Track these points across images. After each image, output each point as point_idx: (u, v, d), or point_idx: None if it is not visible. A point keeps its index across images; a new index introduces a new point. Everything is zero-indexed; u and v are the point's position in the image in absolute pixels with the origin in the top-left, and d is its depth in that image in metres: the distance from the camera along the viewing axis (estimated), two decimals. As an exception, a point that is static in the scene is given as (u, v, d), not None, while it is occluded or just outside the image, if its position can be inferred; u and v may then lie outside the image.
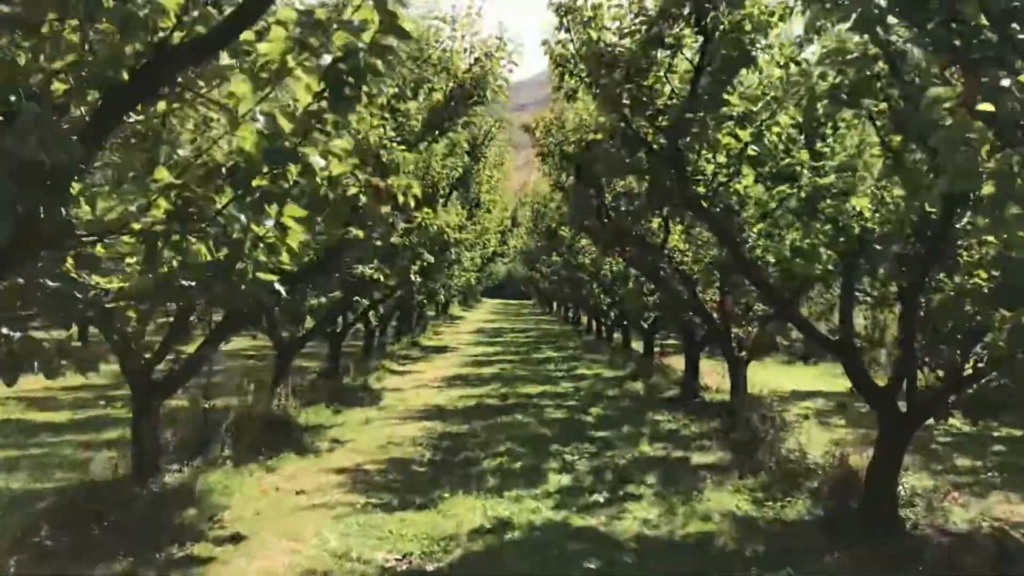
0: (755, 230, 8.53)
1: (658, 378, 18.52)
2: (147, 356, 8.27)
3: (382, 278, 9.81)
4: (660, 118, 7.41)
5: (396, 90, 7.69)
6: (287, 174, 3.25)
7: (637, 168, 7.87)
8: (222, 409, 11.65)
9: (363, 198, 3.84)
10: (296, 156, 3.24)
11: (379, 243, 8.30)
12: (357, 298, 14.08)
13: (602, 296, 23.13)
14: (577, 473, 9.73)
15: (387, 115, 7.54)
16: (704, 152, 7.80)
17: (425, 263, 12.85)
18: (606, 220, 12.10)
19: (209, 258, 3.33)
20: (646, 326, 20.73)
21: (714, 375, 17.92)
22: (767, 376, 18.99)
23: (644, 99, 7.31)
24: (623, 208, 11.85)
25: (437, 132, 8.51)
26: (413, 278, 12.89)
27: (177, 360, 8.76)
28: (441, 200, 13.09)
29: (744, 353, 12.29)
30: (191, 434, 10.18)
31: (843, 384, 19.46)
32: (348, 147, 3.65)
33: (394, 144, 7.32)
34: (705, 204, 7.79)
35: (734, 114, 7.39)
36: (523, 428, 12.59)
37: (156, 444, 8.62)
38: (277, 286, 3.54)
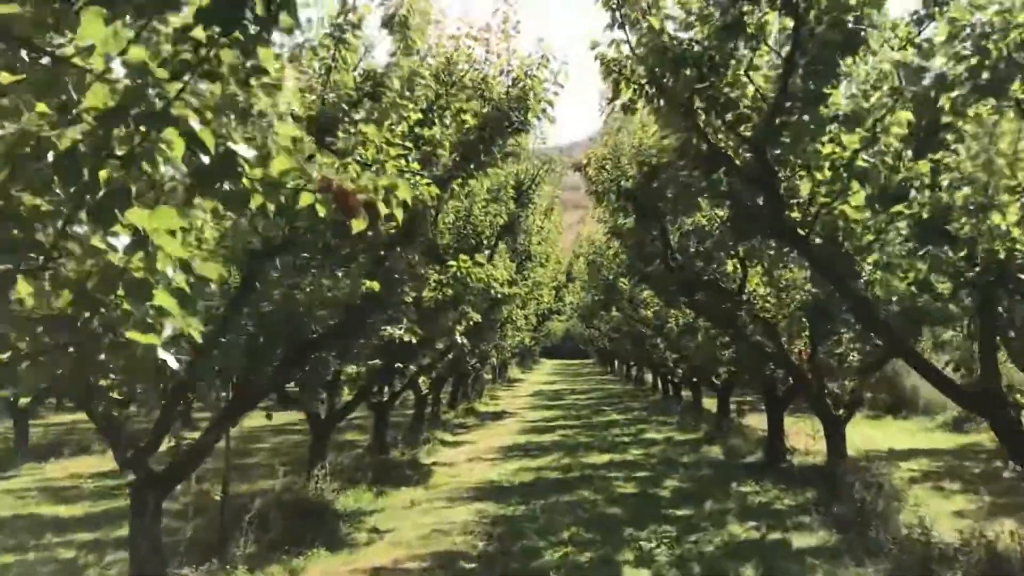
0: (869, 261, 6.98)
1: (737, 441, 16.75)
2: (141, 445, 7.00)
3: (414, 340, 8.43)
4: (743, 126, 5.99)
5: (420, 116, 6.44)
6: (155, 156, 1.92)
7: (714, 192, 6.43)
8: (249, 495, 10.36)
9: (320, 209, 2.51)
10: (170, 118, 1.92)
11: (409, 299, 6.99)
12: (400, 364, 12.75)
13: (667, 352, 21.47)
14: (658, 566, 8.10)
15: (409, 143, 6.27)
16: (799, 166, 6.30)
17: (471, 322, 11.48)
18: (672, 265, 10.63)
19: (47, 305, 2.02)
20: (719, 383, 19.00)
21: (800, 435, 16.09)
22: (855, 433, 17.09)
23: (722, 103, 5.92)
24: (692, 249, 10.39)
25: (472, 166, 7.22)
26: (460, 340, 11.51)
27: (179, 447, 7.47)
28: (486, 251, 11.77)
29: (842, 411, 10.59)
30: (208, 529, 8.88)
31: (945, 440, 17.49)
32: (299, 135, 2.36)
33: (419, 178, 6.03)
34: (802, 232, 6.31)
35: (838, 114, 5.93)
36: (590, 507, 10.99)
37: (157, 547, 7.27)
38: (163, 355, 2.18)
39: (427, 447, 17.01)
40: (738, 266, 10.57)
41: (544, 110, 7.55)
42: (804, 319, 10.24)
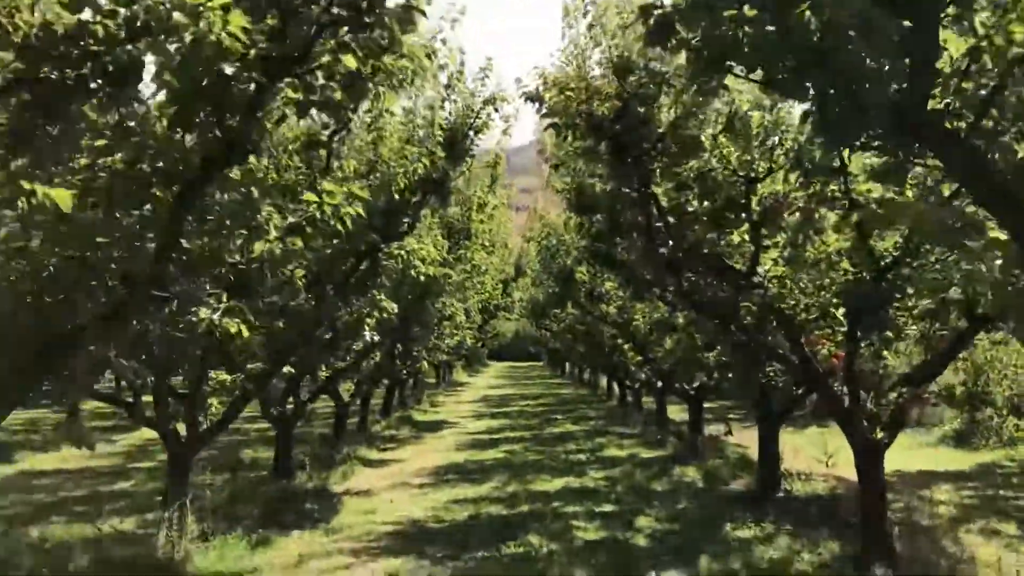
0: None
1: (716, 462, 13.98)
2: None
3: (244, 331, 5.37)
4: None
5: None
6: None
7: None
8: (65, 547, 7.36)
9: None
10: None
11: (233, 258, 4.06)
12: (291, 368, 9.71)
13: (631, 354, 18.63)
14: None
15: None
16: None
17: (384, 314, 8.50)
18: (657, 233, 7.76)
19: None
20: (692, 391, 16.21)
21: (799, 455, 13.38)
22: (843, 450, 14.40)
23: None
24: (691, 209, 7.53)
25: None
26: (370, 336, 8.56)
27: None
28: (405, 220, 8.78)
29: (882, 433, 7.81)
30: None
31: (956, 459, 14.88)
32: None
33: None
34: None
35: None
36: (544, 565, 8.07)
37: None
38: None
39: (343, 468, 13.95)
40: (747, 237, 7.71)
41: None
42: (837, 311, 7.44)
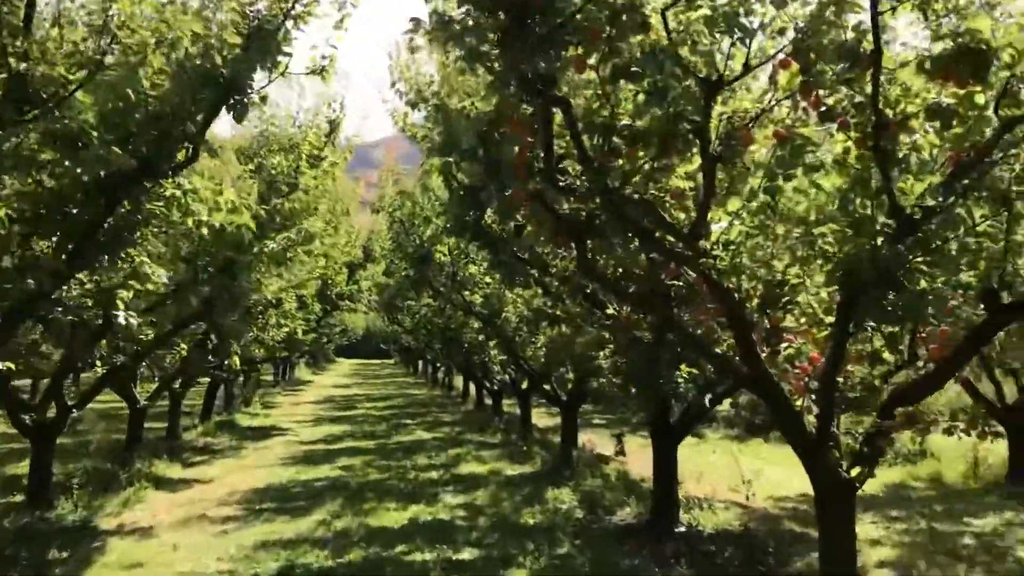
0: None
1: (594, 481, 11.63)
2: None
3: None
4: None
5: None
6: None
7: None
8: None
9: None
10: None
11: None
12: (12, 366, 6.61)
13: (495, 352, 16.10)
14: None
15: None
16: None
17: (151, 285, 5.57)
18: (558, 164, 5.19)
19: None
20: (565, 397, 13.83)
21: (698, 478, 11.22)
22: (721, 463, 12.44)
23: None
24: (621, 145, 4.92)
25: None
26: (123, 318, 5.65)
27: None
28: (185, 145, 5.84)
29: (860, 470, 5.54)
30: None
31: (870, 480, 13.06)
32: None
33: None
34: None
35: None
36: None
37: None
38: None
39: (128, 493, 10.76)
40: (704, 188, 5.19)
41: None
42: (822, 291, 5.06)
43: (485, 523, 9.61)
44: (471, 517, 9.94)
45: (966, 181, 4.18)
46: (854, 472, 5.63)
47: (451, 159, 6.46)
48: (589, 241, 6.08)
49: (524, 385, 16.27)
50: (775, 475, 12.75)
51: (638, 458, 13.22)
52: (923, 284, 4.77)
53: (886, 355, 5.34)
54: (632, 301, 6.84)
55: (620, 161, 5.01)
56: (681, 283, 5.71)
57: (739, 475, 11.07)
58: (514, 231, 8.41)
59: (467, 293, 13.19)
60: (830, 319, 5.15)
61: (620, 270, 6.63)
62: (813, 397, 5.68)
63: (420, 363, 45.62)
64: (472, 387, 25.94)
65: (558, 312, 10.48)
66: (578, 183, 5.24)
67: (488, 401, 22.32)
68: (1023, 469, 12.43)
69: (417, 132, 8.80)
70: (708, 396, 8.73)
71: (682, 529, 9.07)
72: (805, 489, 11.57)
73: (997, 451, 12.73)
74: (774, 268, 5.38)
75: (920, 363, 5.86)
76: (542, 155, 5.23)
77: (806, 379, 5.65)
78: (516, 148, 5.47)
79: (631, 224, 5.22)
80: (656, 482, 9.46)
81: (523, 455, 14.65)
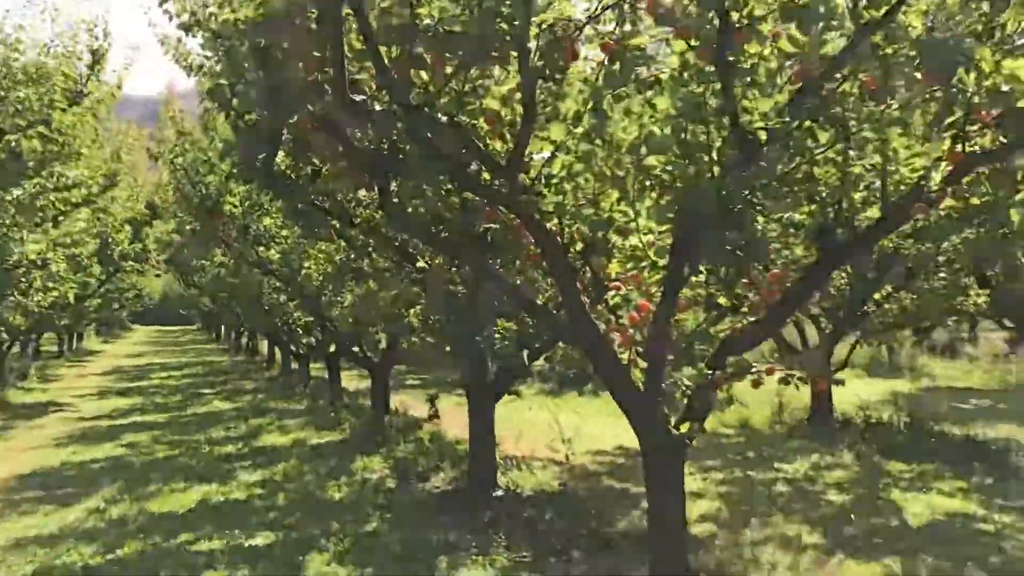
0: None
1: (407, 446, 10.93)
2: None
3: None
4: None
5: None
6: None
7: None
8: None
9: None
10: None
11: None
12: None
13: (298, 314, 14.99)
14: None
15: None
16: None
17: None
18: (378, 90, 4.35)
19: None
20: (375, 358, 13.00)
21: (513, 437, 10.75)
22: (539, 419, 12.17)
23: None
24: (425, 52, 4.06)
25: None
26: None
27: None
28: None
29: (690, 426, 5.12)
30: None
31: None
32: None
33: None
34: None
35: None
36: None
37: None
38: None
39: None
40: (510, 112, 4.47)
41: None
42: (655, 224, 4.51)
43: (285, 501, 8.69)
44: (269, 495, 8.98)
45: (814, 102, 3.72)
46: (683, 428, 5.18)
47: (222, 82, 5.44)
48: (393, 180, 5.28)
49: (332, 348, 15.26)
50: (592, 428, 12.56)
51: (455, 418, 12.63)
52: (760, 221, 4.33)
53: (722, 300, 4.90)
54: (444, 250, 6.09)
55: (424, 75, 4.24)
56: (498, 226, 5.03)
57: (557, 431, 10.71)
58: (310, 175, 7.49)
59: (262, 249, 12.02)
60: (663, 262, 4.62)
61: (429, 214, 5.87)
62: (640, 350, 5.18)
63: (223, 328, 43.13)
64: (278, 352, 24.53)
65: (364, 267, 9.60)
66: (376, 105, 4.42)
67: (295, 366, 21.10)
68: (823, 411, 12.88)
69: (193, 61, 7.61)
70: (527, 352, 8.18)
71: (500, 493, 8.55)
72: (622, 442, 11.53)
73: (799, 395, 13.09)
74: (601, 207, 4.80)
75: (745, 309, 5.49)
76: (332, 71, 4.35)
77: (633, 330, 5.12)
78: (301, 64, 4.56)
79: (440, 155, 4.47)
80: (472, 445, 8.86)
81: (331, 422, 13.73)
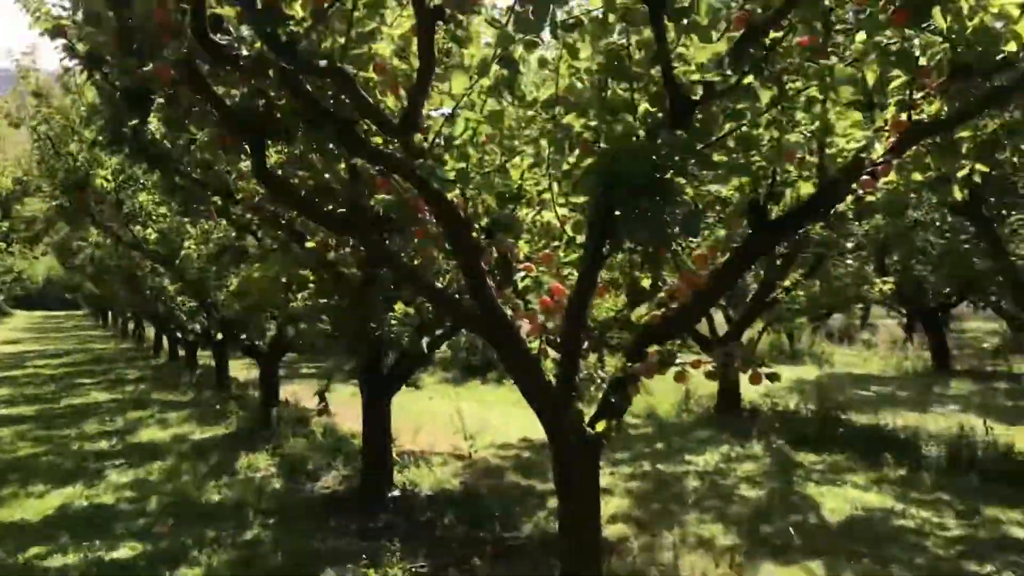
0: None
1: (298, 441, 10.14)
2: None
3: None
4: None
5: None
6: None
7: None
8: None
9: None
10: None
11: None
12: None
13: (180, 298, 13.96)
14: None
15: None
16: None
17: None
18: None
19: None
20: (264, 347, 12.14)
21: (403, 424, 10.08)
22: (439, 410, 11.59)
23: None
24: None
25: None
26: None
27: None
28: None
29: (606, 424, 4.59)
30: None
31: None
32: None
33: None
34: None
35: None
36: None
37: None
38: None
39: None
40: (406, 66, 3.80)
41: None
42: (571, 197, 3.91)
43: (157, 505, 7.84)
44: (141, 498, 8.10)
45: (758, 53, 3.21)
46: (600, 426, 4.65)
47: (63, 19, 4.60)
48: (269, 142, 4.56)
49: (218, 335, 14.27)
50: (496, 419, 12.01)
51: (350, 409, 11.86)
52: (689, 192, 3.80)
53: (645, 283, 4.37)
54: (331, 226, 5.38)
55: (300, 7, 3.54)
56: (393, 198, 4.38)
57: (459, 424, 10.11)
58: (186, 144, 6.70)
59: (138, 228, 10.99)
60: (580, 239, 4.05)
61: (314, 185, 5.16)
62: (552, 338, 4.62)
63: (110, 314, 40.95)
64: (165, 339, 23.19)
65: (249, 247, 8.77)
66: (244, 50, 3.71)
67: (182, 354, 19.89)
68: (730, 400, 12.64)
69: (42, 10, 6.64)
70: (426, 340, 7.52)
71: (396, 493, 7.91)
72: (527, 433, 11.02)
73: (705, 383, 12.80)
74: (509, 175, 4.21)
75: (663, 293, 4.98)
76: (191, 8, 3.62)
77: (544, 316, 4.54)
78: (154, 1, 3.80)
79: (321, 111, 3.78)
80: (366, 442, 8.16)
81: (216, 415, 12.79)
